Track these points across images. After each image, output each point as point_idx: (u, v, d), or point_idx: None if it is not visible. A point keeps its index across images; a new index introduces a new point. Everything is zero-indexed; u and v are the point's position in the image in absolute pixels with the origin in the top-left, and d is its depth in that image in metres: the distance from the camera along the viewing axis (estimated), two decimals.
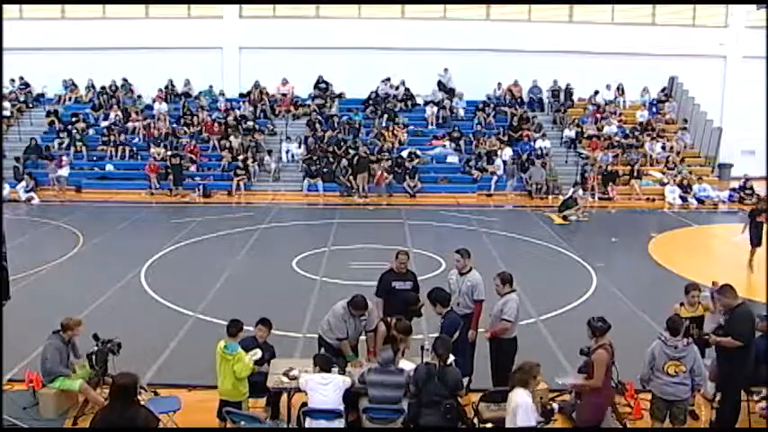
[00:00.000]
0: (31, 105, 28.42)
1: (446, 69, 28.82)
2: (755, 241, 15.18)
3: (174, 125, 26.55)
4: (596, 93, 28.92)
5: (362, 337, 8.43)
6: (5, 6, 25.48)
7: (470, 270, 8.73)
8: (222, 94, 28.45)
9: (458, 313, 8.27)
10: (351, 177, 23.87)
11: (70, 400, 8.14)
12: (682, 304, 8.66)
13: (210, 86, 28.79)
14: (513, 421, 6.07)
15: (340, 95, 28.63)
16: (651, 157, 26.00)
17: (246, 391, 7.44)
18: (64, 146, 25.61)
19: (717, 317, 8.25)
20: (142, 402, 6.99)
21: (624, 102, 29.33)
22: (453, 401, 6.76)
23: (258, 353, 7.59)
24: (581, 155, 25.96)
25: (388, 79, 28.64)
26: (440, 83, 28.90)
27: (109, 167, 24.93)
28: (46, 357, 7.99)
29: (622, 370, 8.08)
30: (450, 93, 28.68)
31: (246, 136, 25.83)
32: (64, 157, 24.12)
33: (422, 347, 7.81)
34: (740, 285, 13.26)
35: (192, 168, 24.80)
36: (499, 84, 29.18)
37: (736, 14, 29.50)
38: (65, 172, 23.67)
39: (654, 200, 23.83)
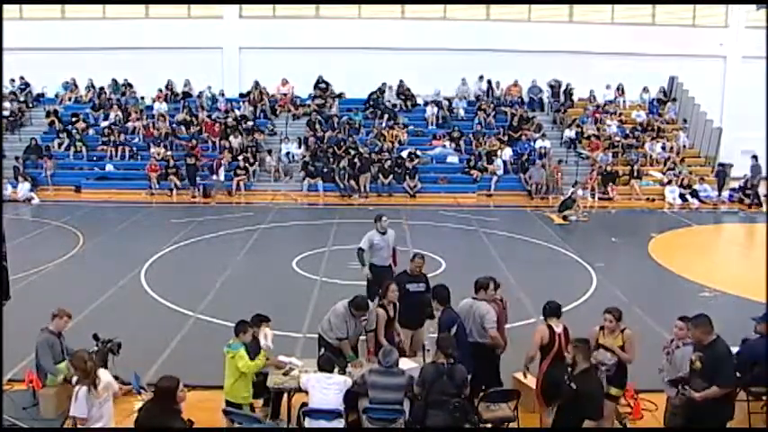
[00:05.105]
0: (31, 105, 28.41)
1: (481, 77, 29.24)
2: None
3: (174, 125, 26.55)
4: (591, 92, 28.88)
5: (362, 337, 8.43)
6: (5, 6, 25.50)
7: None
8: (222, 94, 28.45)
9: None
10: (350, 178, 23.86)
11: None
12: (602, 328, 7.32)
13: (209, 87, 28.76)
14: None
15: (340, 95, 28.62)
16: (651, 157, 26.02)
17: (249, 395, 7.39)
18: (64, 146, 25.63)
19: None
20: (141, 402, 7.02)
21: (624, 102, 29.34)
22: (461, 400, 6.70)
23: (293, 366, 7.70)
24: (581, 155, 25.96)
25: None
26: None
27: (109, 167, 24.92)
28: (39, 355, 7.98)
29: None
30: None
31: (247, 136, 25.84)
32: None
33: (423, 347, 7.79)
34: (740, 285, 13.36)
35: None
36: (497, 83, 29.21)
37: (736, 14, 29.51)
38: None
39: (654, 200, 23.83)
